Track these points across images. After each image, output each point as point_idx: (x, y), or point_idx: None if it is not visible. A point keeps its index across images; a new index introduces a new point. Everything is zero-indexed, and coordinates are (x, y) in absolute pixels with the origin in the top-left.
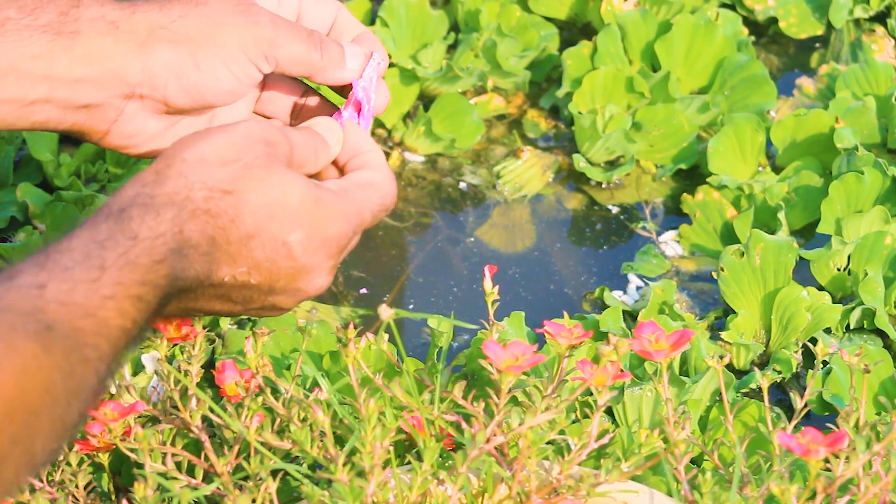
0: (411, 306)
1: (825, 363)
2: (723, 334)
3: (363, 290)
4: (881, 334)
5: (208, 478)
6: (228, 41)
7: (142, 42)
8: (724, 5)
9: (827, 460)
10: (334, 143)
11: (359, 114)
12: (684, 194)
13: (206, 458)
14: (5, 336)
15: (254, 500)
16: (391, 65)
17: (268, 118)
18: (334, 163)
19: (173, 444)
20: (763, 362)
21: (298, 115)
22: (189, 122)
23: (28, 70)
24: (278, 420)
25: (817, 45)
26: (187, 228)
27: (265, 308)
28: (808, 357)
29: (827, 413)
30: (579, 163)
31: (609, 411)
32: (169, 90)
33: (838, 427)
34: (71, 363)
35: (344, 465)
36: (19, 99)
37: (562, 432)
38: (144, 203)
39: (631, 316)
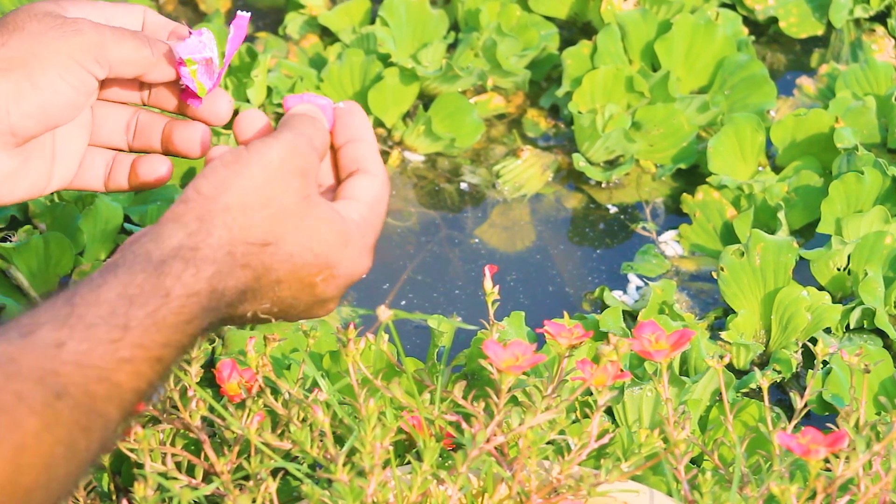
0: (404, 303)
1: (825, 363)
2: (723, 334)
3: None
4: (881, 334)
5: (208, 478)
6: (58, 54)
7: None
8: (724, 5)
9: (827, 460)
10: (328, 126)
11: (194, 97)
12: (684, 194)
13: (206, 458)
14: (10, 409)
15: (254, 500)
16: (391, 64)
17: (104, 145)
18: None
19: (173, 443)
20: (763, 362)
21: (134, 135)
22: (37, 156)
23: None
24: (280, 422)
25: (817, 44)
26: (222, 286)
27: (277, 315)
28: (808, 357)
29: (827, 413)
30: (579, 162)
31: (609, 411)
32: (12, 118)
33: (838, 427)
34: (73, 436)
35: (344, 464)
36: None
37: (562, 432)
38: (185, 257)
39: (631, 316)
